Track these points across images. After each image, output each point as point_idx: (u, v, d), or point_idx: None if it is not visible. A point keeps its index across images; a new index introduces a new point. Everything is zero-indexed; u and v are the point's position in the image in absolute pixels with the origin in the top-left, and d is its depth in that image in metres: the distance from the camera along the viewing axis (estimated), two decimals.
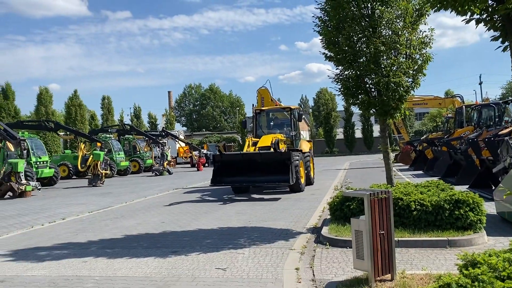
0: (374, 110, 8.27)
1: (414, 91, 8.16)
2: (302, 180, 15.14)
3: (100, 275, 6.04)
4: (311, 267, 5.95)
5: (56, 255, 7.41)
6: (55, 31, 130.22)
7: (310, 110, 65.39)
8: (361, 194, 4.78)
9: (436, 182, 8.65)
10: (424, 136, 26.59)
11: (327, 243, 7.06)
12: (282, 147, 14.61)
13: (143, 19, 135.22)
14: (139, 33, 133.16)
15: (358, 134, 53.90)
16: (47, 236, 9.17)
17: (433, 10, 4.09)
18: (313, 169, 17.90)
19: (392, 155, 8.77)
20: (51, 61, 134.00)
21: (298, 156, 14.76)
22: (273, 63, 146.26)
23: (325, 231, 7.62)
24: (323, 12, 8.36)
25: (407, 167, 24.48)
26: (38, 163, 22.49)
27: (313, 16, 8.41)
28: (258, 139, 15.61)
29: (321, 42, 8.27)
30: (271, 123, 18.11)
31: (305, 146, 16.93)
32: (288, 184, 13.80)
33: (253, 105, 18.60)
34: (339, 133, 56.87)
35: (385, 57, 7.91)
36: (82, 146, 25.91)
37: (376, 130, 42.71)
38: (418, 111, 64.84)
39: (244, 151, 14.81)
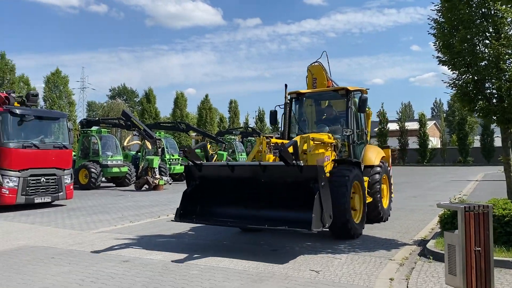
0: (494, 117, 7.64)
1: None
2: (357, 218, 8.49)
3: (205, 264, 6.64)
4: (406, 279, 5.77)
5: (172, 243, 8.30)
6: (193, 40, 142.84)
7: (444, 114, 60.29)
8: (455, 207, 4.53)
9: None
10: None
11: (431, 257, 6.72)
12: (315, 155, 8.29)
13: (272, 26, 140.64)
14: (268, 39, 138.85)
15: (498, 142, 48.56)
16: (169, 226, 10.24)
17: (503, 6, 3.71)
18: (388, 195, 10.73)
19: None
20: (189, 68, 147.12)
21: (349, 173, 8.24)
22: (404, 65, 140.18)
23: (430, 244, 7.25)
24: (439, 14, 7.99)
25: None
26: (171, 160, 24.98)
27: (428, 18, 8.09)
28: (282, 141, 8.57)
29: (434, 45, 7.90)
30: (322, 117, 10.66)
31: (374, 156, 10.12)
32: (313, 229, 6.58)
33: (285, 85, 10.08)
34: (476, 141, 51.90)
35: (510, 60, 7.27)
36: (208, 146, 27.99)
37: None
38: None
39: (249, 160, 8.33)
